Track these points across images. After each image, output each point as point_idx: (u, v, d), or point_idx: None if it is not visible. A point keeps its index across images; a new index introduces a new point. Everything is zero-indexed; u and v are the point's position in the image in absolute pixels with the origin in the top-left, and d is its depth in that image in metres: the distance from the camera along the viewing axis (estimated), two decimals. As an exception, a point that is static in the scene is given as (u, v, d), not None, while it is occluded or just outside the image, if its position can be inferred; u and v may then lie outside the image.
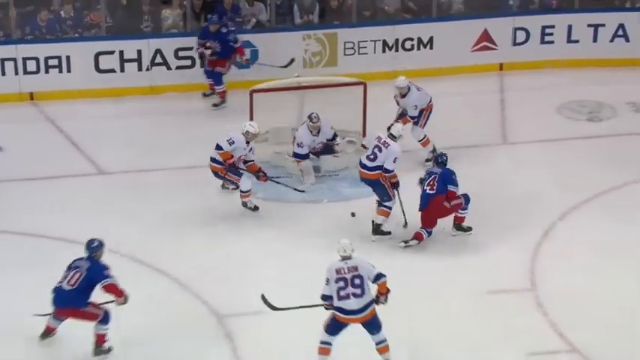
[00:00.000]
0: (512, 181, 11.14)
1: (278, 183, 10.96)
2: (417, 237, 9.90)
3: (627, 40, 14.02)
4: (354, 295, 7.31)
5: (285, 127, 12.02)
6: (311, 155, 11.22)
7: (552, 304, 8.70)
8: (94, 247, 8.08)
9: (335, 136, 11.18)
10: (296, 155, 11.10)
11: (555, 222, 10.15)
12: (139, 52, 13.21)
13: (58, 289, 7.79)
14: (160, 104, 13.19)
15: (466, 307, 8.75)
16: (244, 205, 10.61)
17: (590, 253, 9.60)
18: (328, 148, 11.36)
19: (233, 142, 10.33)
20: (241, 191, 10.40)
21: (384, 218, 10.15)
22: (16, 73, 12.80)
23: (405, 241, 9.86)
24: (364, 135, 11.40)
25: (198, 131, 12.54)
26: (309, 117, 11.12)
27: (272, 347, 8.60)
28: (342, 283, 7.44)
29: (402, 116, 11.43)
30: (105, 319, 8.06)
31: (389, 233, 10.20)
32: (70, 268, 7.86)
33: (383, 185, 10.08)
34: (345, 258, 7.43)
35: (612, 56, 13.95)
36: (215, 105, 12.90)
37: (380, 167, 10.11)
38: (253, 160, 10.57)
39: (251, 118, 11.26)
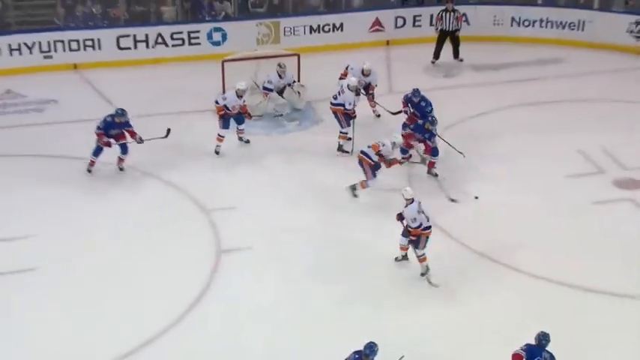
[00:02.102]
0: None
1: (260, 117, 15.06)
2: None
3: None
4: None
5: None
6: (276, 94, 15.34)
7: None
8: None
9: (294, 81, 15.52)
10: (265, 88, 15.28)
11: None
12: (147, 35, 18.06)
13: None
14: (160, 71, 17.95)
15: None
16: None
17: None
18: (287, 91, 15.45)
19: (225, 98, 14.13)
20: (219, 135, 14.38)
21: (343, 141, 14.40)
22: (64, 50, 17.67)
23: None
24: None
25: (188, 86, 16.82)
26: (279, 64, 15.31)
27: (249, 230, 12.48)
28: None
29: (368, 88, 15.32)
30: None
31: (348, 153, 14.33)
32: None
33: (337, 116, 14.25)
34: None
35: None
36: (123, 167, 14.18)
37: (340, 105, 14.13)
38: (246, 105, 14.27)
39: (223, 81, 15.72)
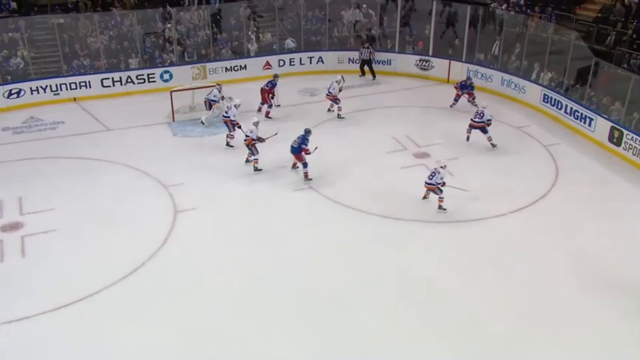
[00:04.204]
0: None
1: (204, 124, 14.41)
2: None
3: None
4: None
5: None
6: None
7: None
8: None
9: (223, 96, 15.13)
10: (213, 101, 14.78)
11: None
12: (120, 77, 17.07)
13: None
14: (130, 100, 16.58)
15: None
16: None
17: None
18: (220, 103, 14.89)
19: (252, 132, 12.87)
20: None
21: (229, 139, 13.60)
22: (67, 89, 16.74)
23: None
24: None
25: (149, 108, 15.79)
26: (218, 84, 15.07)
27: (199, 198, 11.95)
28: None
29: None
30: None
31: (233, 146, 13.48)
32: None
33: (226, 124, 13.51)
34: None
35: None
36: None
37: (227, 117, 13.40)
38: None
39: (172, 104, 15.14)
